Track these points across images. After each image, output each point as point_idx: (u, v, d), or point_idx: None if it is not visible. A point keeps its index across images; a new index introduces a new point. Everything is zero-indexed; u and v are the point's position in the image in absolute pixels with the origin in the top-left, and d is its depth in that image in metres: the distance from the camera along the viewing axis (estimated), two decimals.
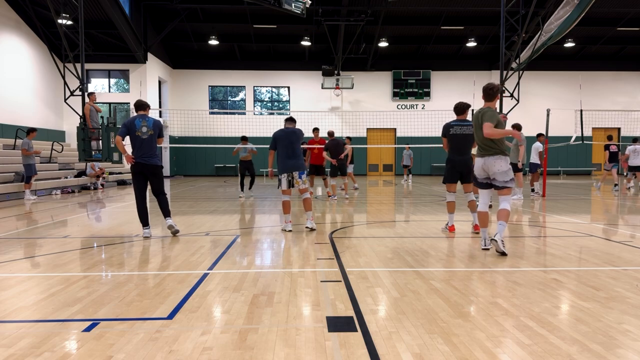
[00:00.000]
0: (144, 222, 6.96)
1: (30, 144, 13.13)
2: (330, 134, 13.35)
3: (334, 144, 12.82)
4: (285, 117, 7.83)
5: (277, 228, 7.87)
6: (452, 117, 7.16)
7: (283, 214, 7.51)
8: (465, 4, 23.57)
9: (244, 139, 13.90)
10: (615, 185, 15.13)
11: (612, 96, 28.95)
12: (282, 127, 7.76)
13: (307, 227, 7.45)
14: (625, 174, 22.20)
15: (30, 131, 13.52)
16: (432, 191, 16.01)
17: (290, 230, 7.30)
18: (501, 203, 5.72)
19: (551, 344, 2.96)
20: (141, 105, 6.97)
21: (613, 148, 15.60)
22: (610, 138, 15.93)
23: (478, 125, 5.68)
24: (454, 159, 6.97)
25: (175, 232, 7.04)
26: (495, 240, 5.44)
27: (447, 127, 6.96)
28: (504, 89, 16.17)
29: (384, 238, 6.87)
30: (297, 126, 7.77)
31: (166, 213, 7.03)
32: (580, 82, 24.67)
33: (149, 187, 7.04)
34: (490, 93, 5.73)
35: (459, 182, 7.12)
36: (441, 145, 7.25)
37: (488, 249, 5.74)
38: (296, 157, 7.40)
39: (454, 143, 6.92)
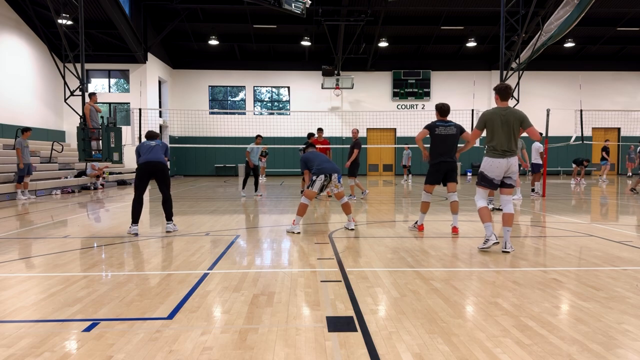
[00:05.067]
0: (134, 219, 7.23)
1: (24, 144, 13.06)
2: (357, 131, 13.23)
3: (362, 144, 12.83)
4: (308, 137, 7.94)
5: (277, 228, 7.88)
6: (452, 117, 7.19)
7: (297, 215, 7.34)
8: (465, 4, 23.57)
9: (259, 137, 13.76)
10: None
11: (612, 96, 28.95)
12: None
13: (351, 229, 7.50)
14: (629, 174, 22.34)
15: (25, 130, 13.42)
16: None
17: (298, 233, 7.27)
18: (507, 205, 5.78)
19: (551, 344, 2.96)
20: (152, 137, 7.55)
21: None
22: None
23: (510, 126, 5.65)
24: (441, 160, 7.01)
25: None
26: (508, 252, 5.65)
27: (432, 127, 7.00)
28: None
29: (384, 238, 6.87)
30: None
31: (169, 215, 7.48)
32: (580, 82, 24.66)
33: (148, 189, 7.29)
34: (509, 92, 5.85)
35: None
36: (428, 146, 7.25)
37: (498, 243, 5.74)
38: (331, 162, 7.56)
39: (439, 143, 6.97)
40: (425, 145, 7.10)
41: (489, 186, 5.77)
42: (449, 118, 7.17)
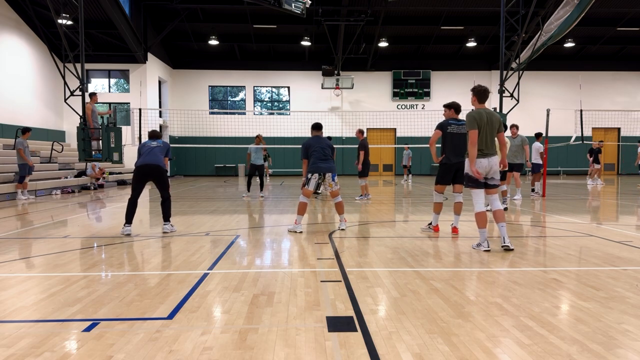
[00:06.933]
0: (128, 219, 7.21)
1: (25, 144, 13.06)
2: (362, 132, 13.06)
3: (368, 144, 12.75)
4: (312, 124, 7.88)
5: (277, 228, 7.88)
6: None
7: (297, 214, 7.37)
8: (465, 4, 23.57)
9: (258, 137, 13.61)
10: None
11: (612, 96, 28.96)
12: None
13: (342, 229, 7.51)
14: None
15: (25, 131, 13.40)
16: (432, 191, 15.98)
17: (300, 232, 7.28)
18: (495, 202, 5.95)
19: (551, 344, 2.96)
20: (153, 137, 7.62)
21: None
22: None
23: (494, 127, 5.77)
24: (450, 160, 6.92)
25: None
26: (508, 245, 5.77)
27: (444, 125, 6.96)
28: (504, 89, 16.17)
29: (384, 238, 6.87)
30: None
31: (166, 216, 7.43)
32: (580, 82, 24.66)
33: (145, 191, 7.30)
34: (488, 94, 5.88)
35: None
36: (440, 146, 7.17)
37: (489, 250, 5.78)
38: (328, 160, 7.50)
39: (450, 141, 6.89)
40: (437, 145, 7.06)
41: (476, 186, 5.85)
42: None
